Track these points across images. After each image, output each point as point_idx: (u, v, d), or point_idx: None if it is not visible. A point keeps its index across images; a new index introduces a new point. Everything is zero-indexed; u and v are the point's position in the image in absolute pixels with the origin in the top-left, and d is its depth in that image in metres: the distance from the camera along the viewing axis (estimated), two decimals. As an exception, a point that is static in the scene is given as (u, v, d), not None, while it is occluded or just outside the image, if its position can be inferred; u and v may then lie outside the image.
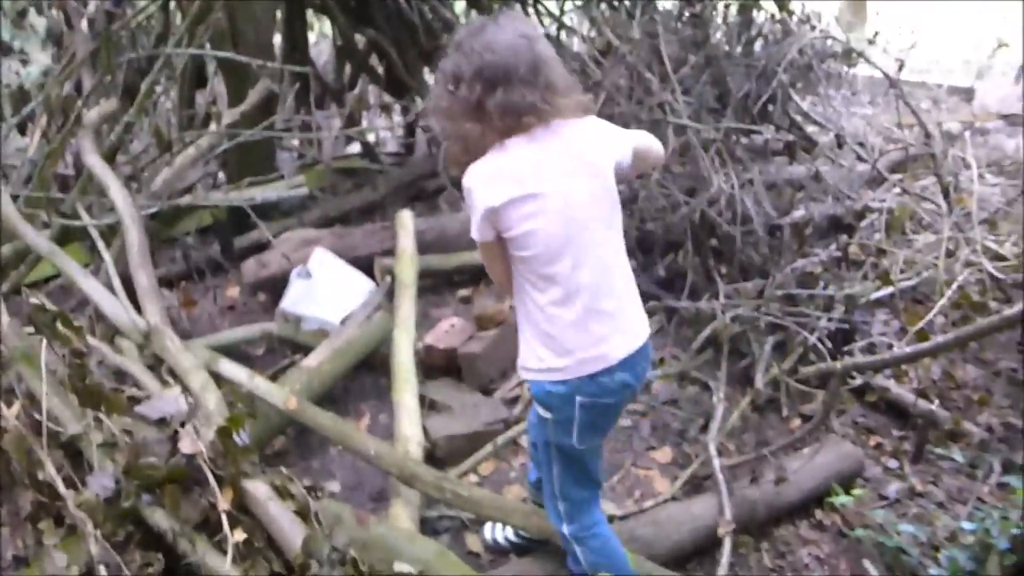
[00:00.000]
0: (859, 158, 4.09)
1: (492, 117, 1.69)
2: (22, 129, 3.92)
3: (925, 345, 2.26)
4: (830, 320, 3.00)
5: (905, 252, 3.43)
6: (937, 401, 2.95)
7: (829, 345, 2.94)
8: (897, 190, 3.90)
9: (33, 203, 3.44)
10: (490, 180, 1.71)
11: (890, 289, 3.28)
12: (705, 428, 2.82)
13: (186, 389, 2.40)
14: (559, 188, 1.71)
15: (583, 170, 1.74)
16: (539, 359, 1.79)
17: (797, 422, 2.96)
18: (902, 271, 3.41)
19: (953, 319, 3.18)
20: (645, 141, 1.90)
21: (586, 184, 1.74)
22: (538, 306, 1.78)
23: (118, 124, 3.72)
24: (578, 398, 1.78)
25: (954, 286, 3.03)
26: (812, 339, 2.90)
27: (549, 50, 1.76)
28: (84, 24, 3.67)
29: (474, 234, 1.77)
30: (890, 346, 3.08)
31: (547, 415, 1.83)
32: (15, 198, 3.23)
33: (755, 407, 2.96)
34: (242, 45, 4.08)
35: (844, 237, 3.47)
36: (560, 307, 1.75)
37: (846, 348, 3.02)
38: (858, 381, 2.98)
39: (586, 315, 1.75)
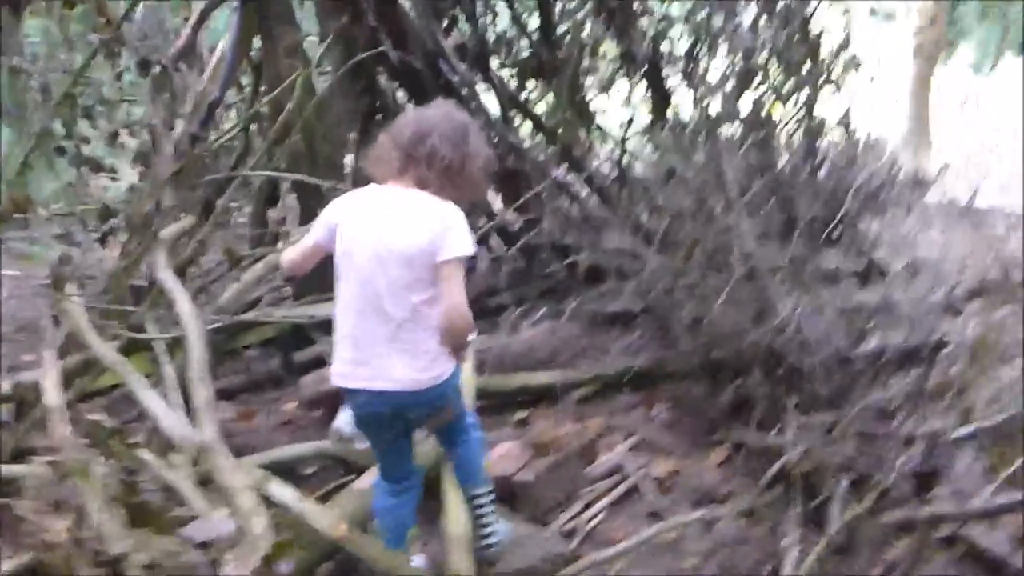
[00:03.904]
0: (933, 286, 3.94)
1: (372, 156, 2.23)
2: (104, 241, 4.10)
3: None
4: (910, 459, 2.81)
5: (988, 387, 3.23)
6: (1035, 553, 2.69)
7: (910, 486, 2.74)
8: (976, 320, 3.72)
9: (105, 314, 3.55)
10: (338, 203, 2.22)
11: (974, 426, 3.07)
12: (776, 572, 2.62)
13: (234, 510, 2.35)
14: (362, 234, 2.12)
15: (391, 234, 2.10)
16: None
17: (877, 570, 2.73)
18: (986, 406, 3.20)
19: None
20: (454, 285, 2.10)
21: (384, 245, 2.09)
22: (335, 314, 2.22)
23: (193, 239, 3.86)
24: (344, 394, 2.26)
25: (1048, 427, 2.81)
26: (891, 479, 2.71)
27: (452, 137, 2.16)
28: (169, 147, 3.88)
29: (311, 233, 2.25)
30: (978, 491, 2.84)
31: None
32: (89, 309, 3.33)
33: (831, 551, 2.74)
34: (316, 164, 4.26)
35: (922, 369, 3.29)
36: (336, 320, 2.21)
37: (929, 493, 2.80)
38: (945, 530, 2.75)
39: (343, 338, 2.18)
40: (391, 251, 2.09)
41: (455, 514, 2.65)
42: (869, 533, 2.70)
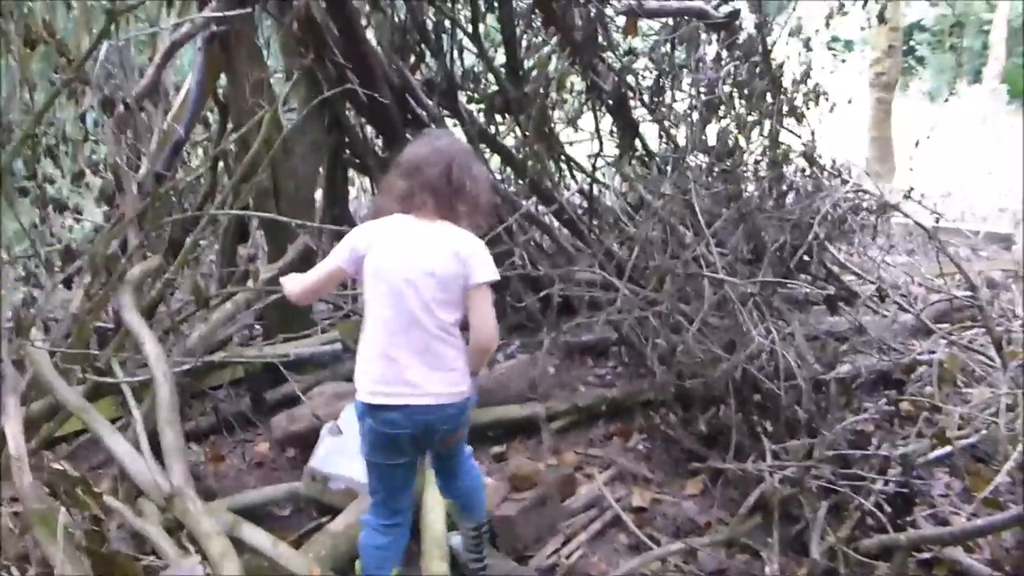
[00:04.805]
0: (902, 308, 4.00)
1: (395, 194, 2.28)
2: (68, 283, 4.01)
3: (1000, 517, 2.08)
4: (887, 483, 2.82)
5: (960, 408, 3.27)
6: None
7: (888, 510, 2.74)
8: (944, 342, 3.77)
9: (70, 358, 3.45)
10: (365, 230, 2.28)
11: (948, 448, 3.09)
12: (759, 602, 2.60)
13: (205, 557, 2.29)
14: (395, 257, 2.20)
15: (425, 258, 2.19)
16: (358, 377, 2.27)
17: (858, 595, 2.71)
18: (959, 428, 3.23)
19: (1021, 479, 2.96)
20: (485, 307, 2.23)
21: (418, 267, 2.18)
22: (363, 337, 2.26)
23: (160, 280, 3.79)
24: (366, 419, 2.24)
25: (1020, 447, 2.84)
26: (868, 504, 2.71)
27: (467, 167, 2.28)
28: (134, 186, 3.82)
29: (332, 257, 2.30)
30: (955, 513, 2.86)
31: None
32: (53, 353, 3.25)
33: (812, 578, 2.73)
34: (284, 201, 4.22)
35: (894, 392, 3.32)
36: (366, 341, 2.24)
37: (908, 516, 2.80)
38: (925, 554, 2.75)
39: (376, 357, 2.21)
40: (425, 271, 2.19)
41: (435, 548, 2.61)
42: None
